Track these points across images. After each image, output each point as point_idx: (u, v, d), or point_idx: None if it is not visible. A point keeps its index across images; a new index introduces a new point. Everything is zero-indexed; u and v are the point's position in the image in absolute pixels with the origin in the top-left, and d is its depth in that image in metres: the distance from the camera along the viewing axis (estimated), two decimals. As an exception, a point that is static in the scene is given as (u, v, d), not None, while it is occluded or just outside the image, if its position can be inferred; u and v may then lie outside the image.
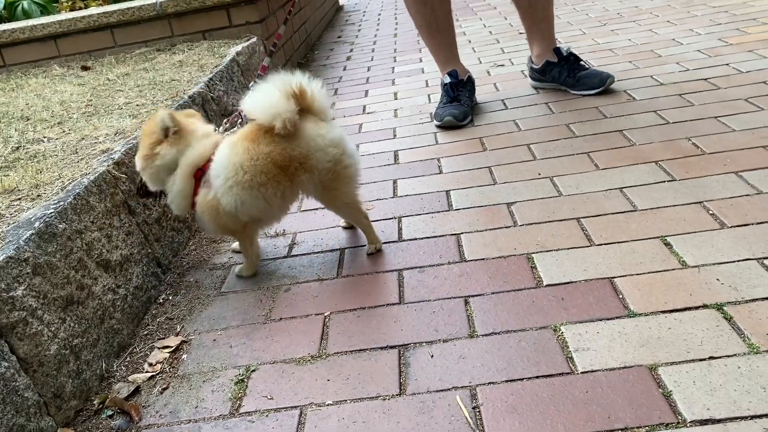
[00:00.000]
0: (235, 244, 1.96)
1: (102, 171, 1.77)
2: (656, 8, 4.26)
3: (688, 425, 1.08)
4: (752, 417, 1.08)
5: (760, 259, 1.49)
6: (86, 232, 1.59)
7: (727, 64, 2.89)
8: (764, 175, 1.87)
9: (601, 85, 2.76)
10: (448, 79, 2.85)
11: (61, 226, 1.51)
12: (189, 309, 1.73)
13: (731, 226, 1.65)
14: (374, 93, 3.55)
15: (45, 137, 2.25)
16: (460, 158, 2.42)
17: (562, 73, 2.88)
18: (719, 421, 1.08)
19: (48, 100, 2.84)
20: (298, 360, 1.43)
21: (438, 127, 2.75)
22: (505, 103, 2.93)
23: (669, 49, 3.29)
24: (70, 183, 1.71)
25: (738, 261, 1.50)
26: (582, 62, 2.89)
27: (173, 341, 1.59)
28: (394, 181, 2.31)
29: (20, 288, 1.31)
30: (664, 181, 1.95)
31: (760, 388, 1.13)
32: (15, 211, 1.58)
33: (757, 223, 1.64)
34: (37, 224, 1.45)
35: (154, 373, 1.48)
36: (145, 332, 1.66)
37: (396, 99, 3.37)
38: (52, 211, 1.52)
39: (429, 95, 3.30)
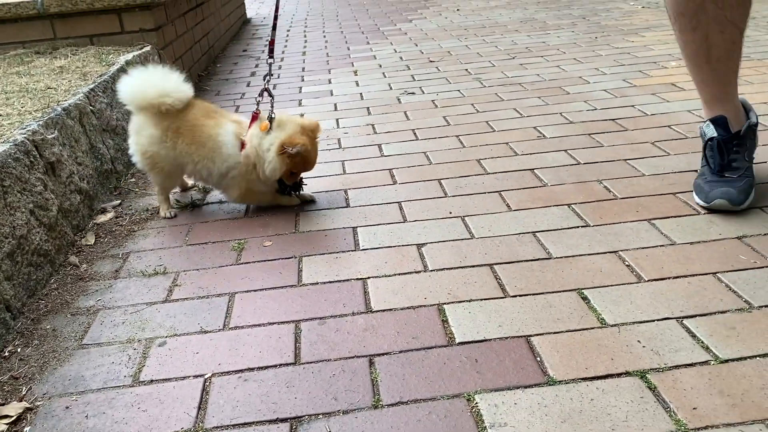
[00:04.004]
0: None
1: (-64, 196, 1.46)
2: (563, 45, 4.33)
3: None
4: None
5: (680, 318, 1.42)
6: None
7: (633, 106, 2.92)
8: (675, 224, 1.83)
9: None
10: (712, 132, 1.97)
11: None
12: (40, 366, 1.44)
13: (648, 280, 1.57)
14: (279, 114, 3.33)
15: None
16: (369, 191, 2.25)
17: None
18: None
19: None
20: (169, 437, 1.20)
21: (703, 208, 1.91)
22: (415, 134, 2.81)
23: (577, 87, 3.31)
24: None
25: (658, 320, 1.41)
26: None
27: (14, 408, 1.30)
28: (297, 214, 2.11)
29: None
30: (578, 227, 1.87)
31: (691, 476, 1.02)
32: None
33: (674, 278, 1.57)
34: None
35: (-16, 453, 1.20)
36: (-19, 396, 1.35)
37: (302, 122, 3.16)
38: None
39: (337, 120, 3.13)
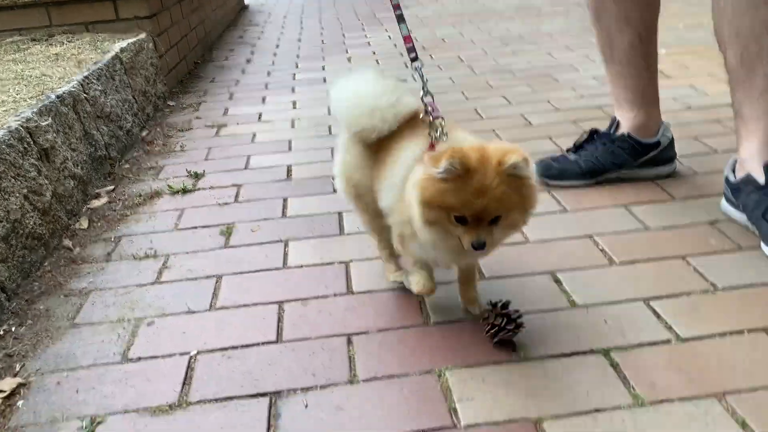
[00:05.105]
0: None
1: (-68, 181, 1.52)
2: (555, 32, 4.36)
3: (571, 489, 1.02)
4: (635, 479, 1.03)
5: (647, 299, 1.48)
6: None
7: (620, 94, 2.95)
8: (651, 209, 1.89)
9: None
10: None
11: None
12: (33, 344, 1.50)
13: (620, 263, 1.63)
14: (272, 100, 3.38)
15: None
16: (355, 177, 2.30)
17: (760, 205, 1.65)
18: (603, 484, 1.02)
19: None
20: (154, 410, 1.26)
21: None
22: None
23: (566, 75, 3.35)
24: None
25: (625, 302, 1.47)
26: None
27: (8, 384, 1.36)
28: (285, 200, 2.16)
29: None
30: (556, 212, 1.92)
31: (643, 446, 1.09)
32: None
33: (644, 261, 1.63)
34: None
35: (-21, 425, 1.26)
36: (-23, 372, 1.42)
37: (295, 108, 3.22)
38: None
39: (329, 107, 3.17)
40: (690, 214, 1.84)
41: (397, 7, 1.52)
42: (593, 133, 2.14)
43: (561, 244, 1.74)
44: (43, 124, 2.05)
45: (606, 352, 1.32)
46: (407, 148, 1.34)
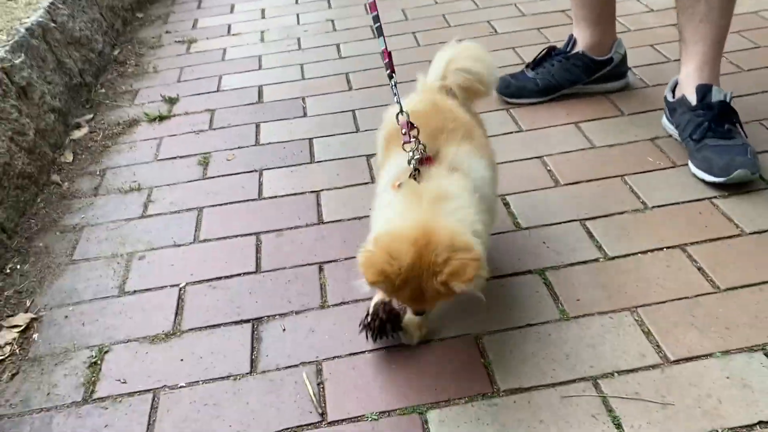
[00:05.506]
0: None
1: None
2: None
3: (501, 394, 1.24)
4: (553, 385, 1.25)
5: (583, 220, 1.65)
6: None
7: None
8: (600, 126, 2.02)
9: (724, 175, 1.66)
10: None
11: None
12: (39, 280, 1.68)
13: (564, 184, 1.79)
14: (241, 9, 3.37)
15: None
16: (325, 98, 2.40)
17: (689, 125, 1.79)
18: (527, 389, 1.25)
19: None
20: (152, 338, 1.46)
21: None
22: (373, 30, 2.89)
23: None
24: None
25: (564, 222, 1.65)
26: (734, 126, 1.76)
27: (22, 319, 1.55)
28: (257, 125, 2.27)
29: None
30: (512, 132, 2.06)
31: (563, 356, 1.30)
32: None
33: (587, 181, 1.79)
34: None
35: (3, 357, 1.46)
36: (-8, 309, 1.61)
37: (263, 18, 3.22)
38: None
39: (298, 15, 3.18)
40: (635, 130, 1.98)
41: (376, 18, 1.44)
42: (551, 50, 2.23)
43: (513, 166, 1.89)
44: (17, 61, 2.11)
45: (542, 272, 1.51)
46: (385, 175, 1.31)
